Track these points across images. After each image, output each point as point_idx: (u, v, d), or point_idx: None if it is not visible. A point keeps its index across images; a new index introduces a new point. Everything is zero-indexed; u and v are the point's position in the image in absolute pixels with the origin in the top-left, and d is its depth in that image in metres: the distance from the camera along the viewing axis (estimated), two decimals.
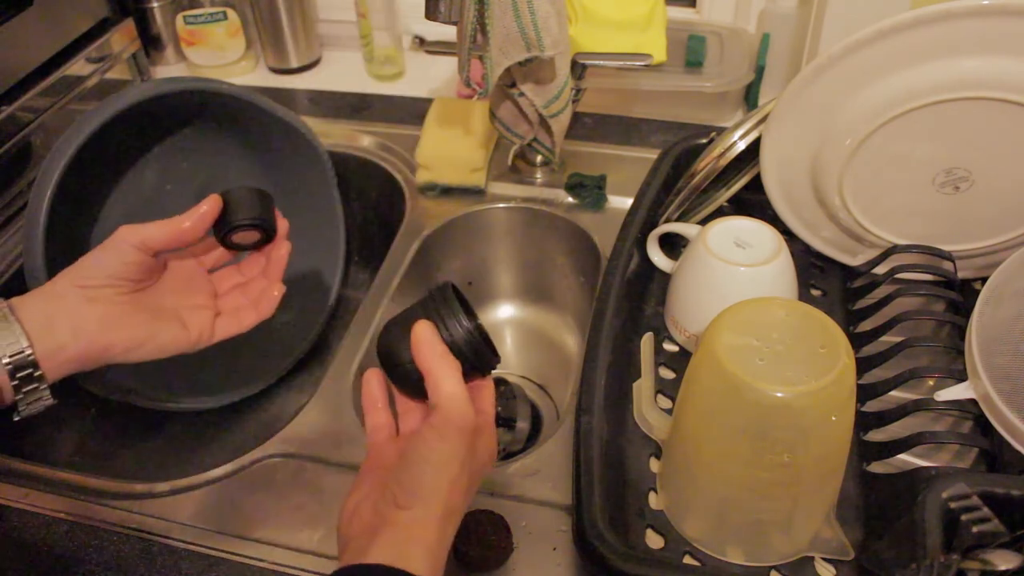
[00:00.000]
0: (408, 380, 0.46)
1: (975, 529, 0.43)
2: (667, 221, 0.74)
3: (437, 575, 0.41)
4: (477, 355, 0.46)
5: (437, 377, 0.43)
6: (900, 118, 0.61)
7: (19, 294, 0.49)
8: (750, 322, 0.49)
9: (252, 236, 0.54)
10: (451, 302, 0.46)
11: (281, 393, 0.84)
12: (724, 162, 0.70)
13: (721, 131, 0.73)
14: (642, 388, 0.64)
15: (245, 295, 0.56)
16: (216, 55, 1.10)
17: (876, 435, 0.59)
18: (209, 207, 0.51)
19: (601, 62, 0.85)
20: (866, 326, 0.68)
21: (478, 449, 0.45)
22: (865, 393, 0.61)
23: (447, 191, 0.89)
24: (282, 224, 0.55)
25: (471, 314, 0.47)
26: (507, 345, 0.94)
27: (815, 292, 0.73)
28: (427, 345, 0.44)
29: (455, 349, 0.45)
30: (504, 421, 0.81)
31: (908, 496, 0.47)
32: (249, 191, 0.53)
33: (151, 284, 0.51)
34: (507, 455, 0.81)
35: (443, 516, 0.42)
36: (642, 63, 0.85)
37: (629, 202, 0.75)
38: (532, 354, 0.92)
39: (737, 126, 0.70)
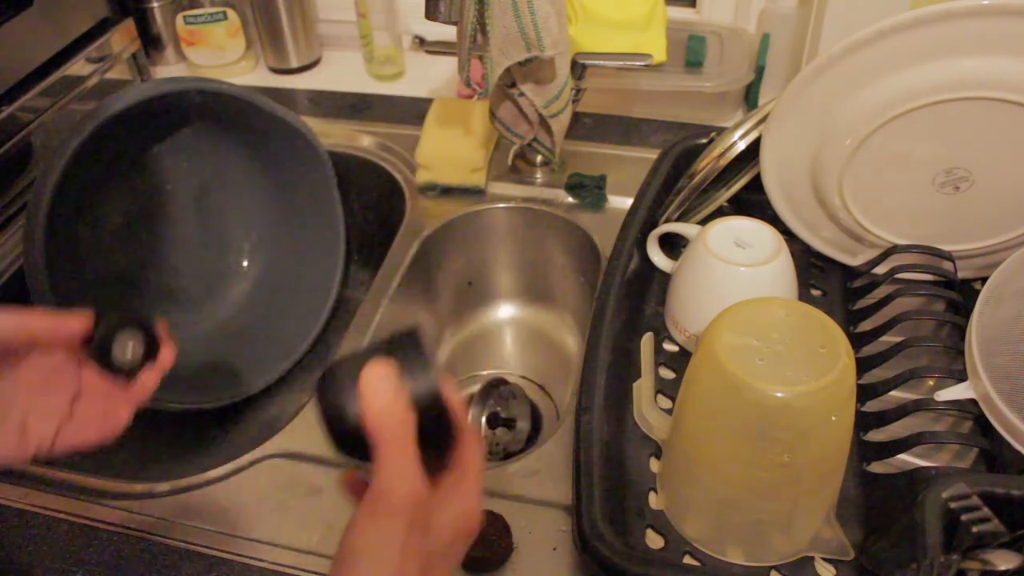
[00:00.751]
0: (349, 441, 0.36)
1: (975, 529, 0.43)
2: (667, 221, 0.74)
3: None
4: (438, 423, 0.37)
5: (384, 441, 0.34)
6: (900, 118, 0.61)
7: (19, 294, 0.48)
8: (750, 322, 0.49)
9: (134, 349, 0.46)
10: (419, 347, 0.37)
11: (281, 393, 0.84)
12: (724, 162, 0.70)
13: (721, 131, 0.73)
14: (642, 388, 0.64)
15: (96, 404, 0.47)
16: (216, 55, 1.10)
17: (876, 435, 0.59)
18: (78, 321, 0.43)
19: (601, 62, 0.85)
20: (866, 326, 0.68)
21: (435, 525, 0.36)
22: (865, 393, 0.61)
23: (447, 191, 0.89)
24: (166, 351, 0.48)
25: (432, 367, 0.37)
26: (507, 345, 0.94)
27: (815, 292, 0.73)
28: (377, 393, 0.35)
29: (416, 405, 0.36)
30: (504, 421, 0.81)
31: (908, 496, 0.47)
32: (127, 319, 0.46)
33: (3, 374, 0.42)
34: (507, 455, 0.81)
35: None
36: (642, 63, 0.85)
37: (629, 202, 0.75)
38: (532, 354, 0.92)
39: (737, 126, 0.70)
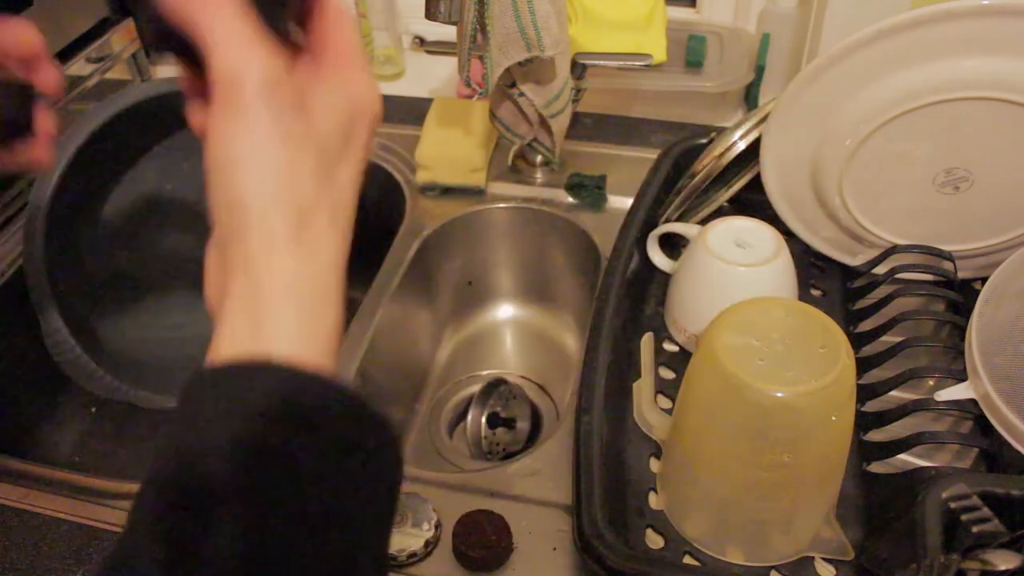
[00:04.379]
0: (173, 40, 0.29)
1: (975, 529, 0.43)
2: (667, 221, 0.74)
3: (319, 338, 0.28)
4: None
5: (203, 30, 0.28)
6: (900, 118, 0.61)
7: (19, 294, 0.48)
8: (750, 322, 0.49)
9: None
10: None
11: None
12: (724, 162, 0.70)
13: (721, 131, 0.73)
14: (642, 388, 0.64)
15: None
16: None
17: (876, 435, 0.59)
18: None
19: (601, 62, 0.85)
20: (866, 326, 0.68)
21: (316, 106, 0.30)
22: (865, 393, 0.61)
23: (447, 191, 0.89)
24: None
25: None
26: (507, 345, 0.94)
27: (815, 292, 0.73)
28: None
29: None
30: (504, 421, 0.81)
31: (908, 496, 0.47)
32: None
33: None
34: (507, 455, 0.81)
35: (292, 228, 0.28)
36: (642, 63, 0.85)
37: (629, 202, 0.75)
38: (532, 354, 0.92)
39: (737, 126, 0.70)
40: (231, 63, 0.27)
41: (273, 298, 0.27)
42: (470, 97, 0.99)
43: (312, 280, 0.28)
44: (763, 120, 0.68)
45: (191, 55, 0.29)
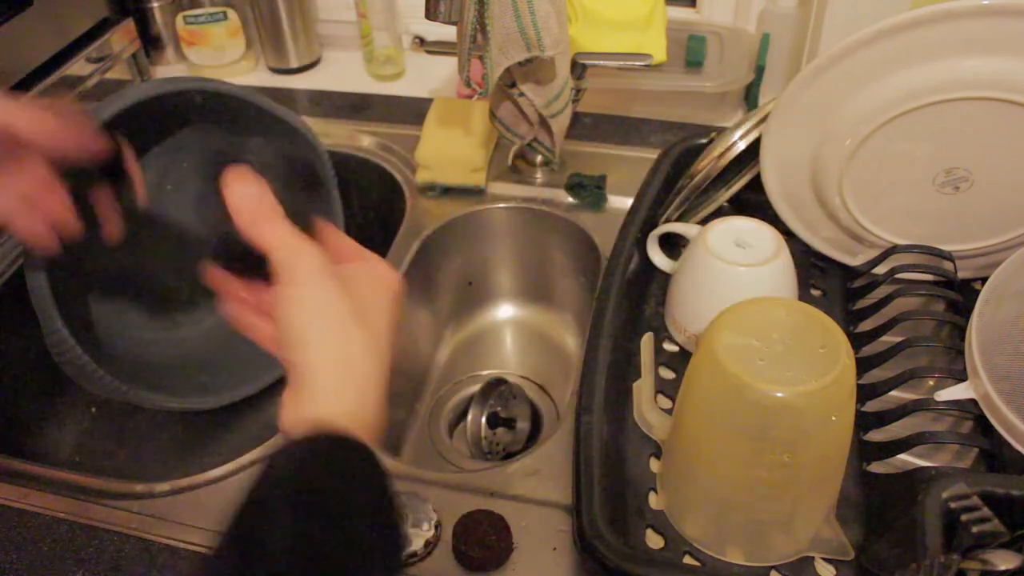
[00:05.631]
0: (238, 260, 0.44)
1: (975, 529, 0.43)
2: (667, 221, 0.74)
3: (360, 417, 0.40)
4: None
5: (265, 234, 0.41)
6: (900, 118, 0.61)
7: (19, 294, 0.49)
8: (750, 322, 0.49)
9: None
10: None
11: (281, 392, 0.84)
12: (724, 162, 0.70)
13: (721, 131, 0.73)
14: (642, 388, 0.64)
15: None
16: (216, 55, 1.10)
17: (876, 435, 0.59)
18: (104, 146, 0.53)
19: (601, 62, 0.85)
20: (866, 326, 0.68)
21: (351, 277, 0.42)
22: (865, 393, 0.61)
23: (447, 191, 0.89)
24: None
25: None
26: (507, 345, 0.94)
27: (815, 292, 0.73)
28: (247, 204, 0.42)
29: None
30: (504, 421, 0.81)
31: (908, 496, 0.47)
32: None
33: None
34: (507, 455, 0.81)
35: (337, 359, 0.41)
36: (642, 63, 0.85)
37: (629, 202, 0.75)
38: (532, 354, 0.92)
39: (737, 126, 0.70)
40: (287, 256, 0.40)
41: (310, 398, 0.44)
42: (470, 97, 0.99)
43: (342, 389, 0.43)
44: (763, 120, 0.68)
45: (239, 265, 0.44)
